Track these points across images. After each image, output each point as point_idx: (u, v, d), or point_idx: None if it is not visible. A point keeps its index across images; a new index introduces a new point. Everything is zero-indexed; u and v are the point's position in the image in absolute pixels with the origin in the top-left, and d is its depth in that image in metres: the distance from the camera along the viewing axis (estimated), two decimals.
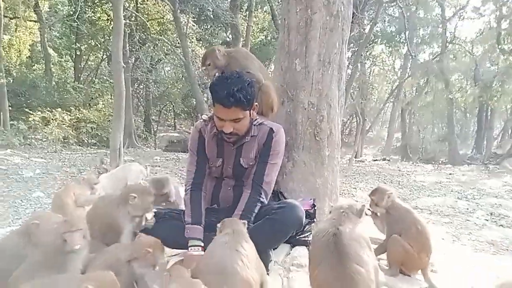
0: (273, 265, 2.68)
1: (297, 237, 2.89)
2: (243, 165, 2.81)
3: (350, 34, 4.42)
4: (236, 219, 2.36)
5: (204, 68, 3.22)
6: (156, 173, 10.61)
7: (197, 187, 2.82)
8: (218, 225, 2.30)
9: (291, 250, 2.95)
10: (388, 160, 20.78)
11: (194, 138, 2.91)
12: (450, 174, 13.99)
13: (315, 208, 3.07)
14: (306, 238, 2.94)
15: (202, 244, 2.61)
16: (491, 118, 22.69)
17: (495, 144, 24.72)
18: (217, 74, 3.06)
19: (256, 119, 2.82)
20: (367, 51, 20.86)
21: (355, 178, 12.21)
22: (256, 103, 2.77)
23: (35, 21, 20.31)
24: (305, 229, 2.89)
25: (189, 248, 2.60)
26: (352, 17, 4.35)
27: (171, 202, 3.44)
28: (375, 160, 20.87)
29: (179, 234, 2.66)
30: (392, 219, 2.82)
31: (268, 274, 2.51)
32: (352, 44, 17.77)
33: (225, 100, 2.51)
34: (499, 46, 18.91)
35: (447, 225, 6.63)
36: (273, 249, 2.81)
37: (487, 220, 6.96)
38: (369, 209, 2.90)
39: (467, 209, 7.93)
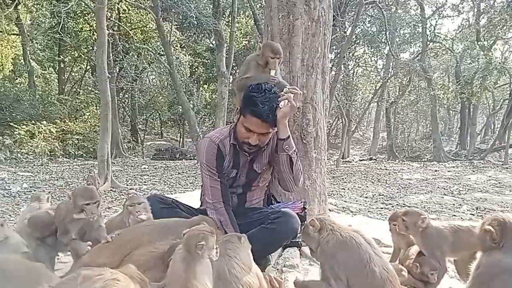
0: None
1: None
2: (256, 170, 2.80)
3: (332, 37, 4.49)
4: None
5: (274, 57, 2.87)
6: (144, 182, 10.64)
7: (227, 204, 2.71)
8: None
9: (283, 251, 3.00)
10: (375, 160, 20.99)
11: (212, 153, 2.72)
12: (436, 171, 14.21)
13: (305, 210, 3.14)
14: (298, 240, 2.99)
15: None
16: (474, 114, 23.00)
17: (478, 139, 25.13)
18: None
19: None
20: (350, 53, 21.03)
21: (343, 178, 12.33)
22: None
23: (17, 35, 20.13)
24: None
25: None
26: (333, 21, 4.42)
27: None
28: (362, 160, 21.07)
29: None
30: None
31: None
32: (334, 46, 17.93)
33: (265, 115, 2.47)
34: (478, 43, 19.27)
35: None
36: None
37: (473, 215, 7.08)
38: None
39: (453, 204, 8.07)
